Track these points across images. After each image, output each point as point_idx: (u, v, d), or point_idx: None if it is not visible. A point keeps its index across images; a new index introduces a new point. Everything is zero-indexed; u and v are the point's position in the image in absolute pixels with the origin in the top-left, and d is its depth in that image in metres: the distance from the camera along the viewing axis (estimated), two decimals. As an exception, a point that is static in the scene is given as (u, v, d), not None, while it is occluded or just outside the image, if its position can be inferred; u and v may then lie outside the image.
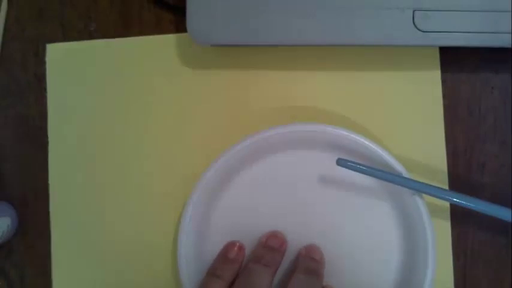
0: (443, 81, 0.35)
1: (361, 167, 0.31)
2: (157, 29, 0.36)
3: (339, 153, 0.33)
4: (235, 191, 0.34)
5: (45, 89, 0.37)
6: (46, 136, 0.37)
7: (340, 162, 0.32)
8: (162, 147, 0.36)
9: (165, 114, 0.36)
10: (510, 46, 0.31)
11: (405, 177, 0.32)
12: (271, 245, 0.33)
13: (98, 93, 0.37)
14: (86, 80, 0.37)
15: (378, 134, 0.34)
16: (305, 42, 0.32)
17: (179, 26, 0.36)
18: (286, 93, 0.36)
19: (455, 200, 0.31)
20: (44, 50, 0.37)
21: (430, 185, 0.31)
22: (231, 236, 0.34)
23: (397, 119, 0.35)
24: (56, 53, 0.37)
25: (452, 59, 0.35)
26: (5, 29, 0.37)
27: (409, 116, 0.35)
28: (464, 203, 0.31)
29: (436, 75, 0.35)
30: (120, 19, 0.37)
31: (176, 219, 0.35)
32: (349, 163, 0.32)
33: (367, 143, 0.32)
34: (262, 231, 0.34)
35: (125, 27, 0.37)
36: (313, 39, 0.32)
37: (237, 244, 0.33)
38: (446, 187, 0.34)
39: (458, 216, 0.34)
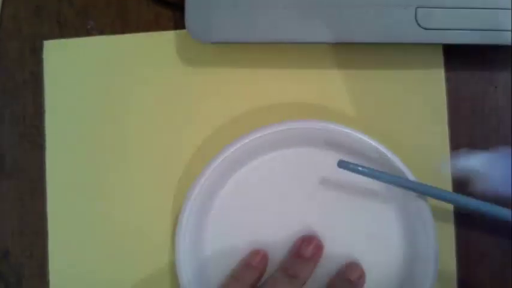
0: (447, 80, 0.35)
1: (363, 169, 0.31)
2: (156, 26, 0.36)
3: (340, 152, 0.33)
4: (234, 190, 0.34)
5: (41, 87, 0.37)
6: (43, 135, 0.36)
7: (342, 164, 0.31)
8: (160, 144, 0.36)
9: (163, 112, 0.36)
10: (510, 44, 0.31)
11: (407, 179, 0.31)
12: (303, 254, 0.32)
13: (96, 91, 0.36)
14: (84, 77, 0.37)
15: (381, 132, 0.34)
16: (305, 39, 0.32)
17: (178, 23, 0.36)
18: (286, 91, 0.35)
19: (453, 200, 0.31)
20: (40, 48, 0.37)
21: (432, 187, 0.31)
22: (230, 235, 0.34)
23: (400, 118, 0.35)
24: (53, 50, 0.37)
25: (456, 57, 0.35)
26: (1, 27, 0.37)
27: (413, 114, 0.35)
28: (463, 203, 0.31)
29: (439, 73, 0.35)
30: (118, 16, 0.37)
31: (174, 219, 0.35)
32: (351, 165, 0.31)
33: (370, 141, 0.32)
34: (262, 230, 0.34)
35: (123, 25, 0.36)
36: (313, 37, 0.32)
37: (261, 253, 0.33)
38: (450, 186, 0.34)
39: (462, 219, 0.34)
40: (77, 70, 0.37)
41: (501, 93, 0.34)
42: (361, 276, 0.32)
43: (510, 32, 0.31)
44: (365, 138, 0.32)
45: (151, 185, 0.36)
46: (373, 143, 0.32)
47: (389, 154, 0.32)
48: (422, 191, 0.31)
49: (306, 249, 0.32)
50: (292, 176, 0.34)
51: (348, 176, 0.33)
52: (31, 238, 0.36)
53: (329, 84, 0.35)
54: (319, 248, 0.32)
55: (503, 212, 0.30)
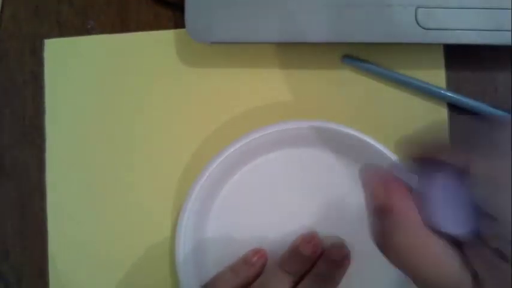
0: (447, 80, 0.34)
1: (366, 64, 0.32)
2: (156, 26, 0.36)
3: (340, 152, 0.33)
4: (234, 190, 0.34)
5: (41, 88, 0.37)
6: (43, 135, 0.36)
7: (346, 60, 0.32)
8: (160, 144, 0.36)
9: (163, 111, 0.36)
10: (510, 44, 0.31)
11: (406, 76, 0.33)
12: (301, 252, 0.32)
13: (96, 90, 0.36)
14: (84, 76, 0.36)
15: (381, 132, 0.34)
16: (305, 39, 0.32)
17: (178, 23, 0.36)
18: (286, 91, 0.35)
19: (453, 97, 0.33)
20: (40, 48, 0.37)
21: (430, 84, 0.33)
22: (230, 235, 0.34)
23: (400, 118, 0.35)
24: (54, 49, 0.37)
25: (456, 57, 0.35)
26: (1, 27, 0.37)
27: (413, 114, 0.35)
28: (461, 100, 0.33)
29: (440, 73, 0.34)
30: (118, 17, 0.37)
31: (174, 218, 0.35)
32: (355, 60, 0.32)
33: (370, 141, 0.32)
34: (262, 229, 0.34)
35: (123, 25, 0.36)
36: (313, 37, 0.32)
37: (260, 251, 0.33)
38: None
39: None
40: (77, 68, 0.36)
41: (501, 93, 0.34)
42: (345, 256, 0.32)
43: (510, 32, 0.31)
44: (365, 138, 0.32)
45: (151, 185, 0.35)
46: (373, 142, 0.32)
47: (389, 154, 0.32)
48: (418, 86, 0.34)
49: (304, 247, 0.32)
50: (291, 176, 0.34)
51: (348, 175, 0.33)
52: (31, 238, 0.36)
53: (329, 84, 0.35)
54: (317, 247, 0.32)
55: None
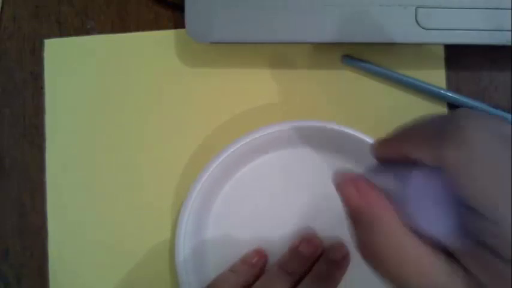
0: (448, 80, 0.34)
1: (366, 64, 0.32)
2: (156, 26, 0.36)
3: (340, 152, 0.33)
4: (234, 190, 0.34)
5: (41, 87, 0.37)
6: (43, 135, 0.36)
7: (346, 60, 0.33)
8: (160, 144, 0.36)
9: (163, 112, 0.36)
10: (510, 44, 0.31)
11: (405, 75, 0.34)
12: (301, 252, 0.32)
13: (96, 90, 0.36)
14: (84, 76, 0.36)
15: (381, 132, 0.34)
16: (305, 39, 0.32)
17: (178, 23, 0.36)
18: (286, 91, 0.35)
19: (453, 97, 0.33)
20: (40, 48, 0.37)
21: (430, 84, 0.34)
22: (230, 235, 0.34)
23: (401, 118, 0.34)
24: (54, 49, 0.37)
25: (456, 57, 0.35)
26: (1, 27, 0.37)
27: (413, 115, 0.34)
28: (461, 100, 0.33)
29: (440, 73, 0.34)
30: (118, 17, 0.37)
31: (174, 218, 0.35)
32: (355, 60, 0.33)
33: (370, 141, 0.32)
34: (262, 229, 0.34)
35: (123, 25, 0.36)
36: (313, 37, 0.32)
37: (260, 252, 0.33)
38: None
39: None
40: (76, 68, 0.36)
41: (501, 93, 0.34)
42: (345, 256, 0.32)
43: (510, 32, 0.31)
44: (365, 138, 0.32)
45: (151, 185, 0.35)
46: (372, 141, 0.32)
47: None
48: (419, 86, 0.34)
49: (304, 247, 0.32)
50: (292, 176, 0.34)
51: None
52: (31, 238, 0.36)
53: (329, 84, 0.35)
54: (317, 247, 0.32)
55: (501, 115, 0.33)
